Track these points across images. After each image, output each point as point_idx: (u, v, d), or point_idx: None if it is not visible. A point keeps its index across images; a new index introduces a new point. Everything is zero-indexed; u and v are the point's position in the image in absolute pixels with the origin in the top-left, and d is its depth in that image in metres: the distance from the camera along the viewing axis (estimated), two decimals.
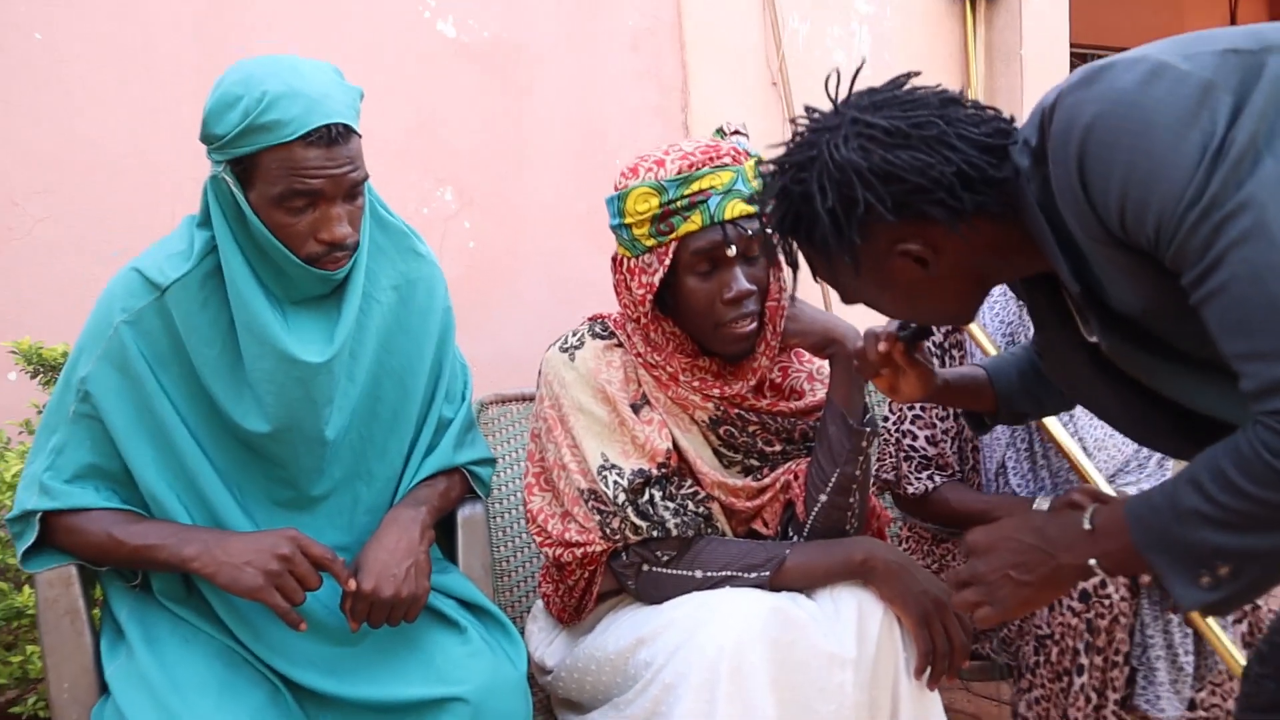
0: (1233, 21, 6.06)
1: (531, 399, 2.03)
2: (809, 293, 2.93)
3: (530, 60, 2.71)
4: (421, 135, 2.60)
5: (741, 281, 1.43)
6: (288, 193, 1.31)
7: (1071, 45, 3.40)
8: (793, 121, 1.13)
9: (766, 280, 1.48)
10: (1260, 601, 1.74)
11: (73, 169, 2.26)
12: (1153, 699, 1.65)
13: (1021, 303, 1.76)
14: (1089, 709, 1.63)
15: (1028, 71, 3.17)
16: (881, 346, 1.31)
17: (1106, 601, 1.62)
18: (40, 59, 2.22)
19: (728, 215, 1.41)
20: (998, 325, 1.93)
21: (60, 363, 1.98)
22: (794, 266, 1.18)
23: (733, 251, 1.42)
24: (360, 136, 1.38)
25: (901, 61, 3.13)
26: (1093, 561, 1.01)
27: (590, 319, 1.64)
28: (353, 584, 1.37)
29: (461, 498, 1.63)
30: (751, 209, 1.42)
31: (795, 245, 1.15)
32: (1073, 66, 4.40)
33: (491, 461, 1.69)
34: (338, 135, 1.31)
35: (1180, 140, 0.85)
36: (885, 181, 1.01)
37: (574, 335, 1.59)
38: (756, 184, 1.42)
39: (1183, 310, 0.92)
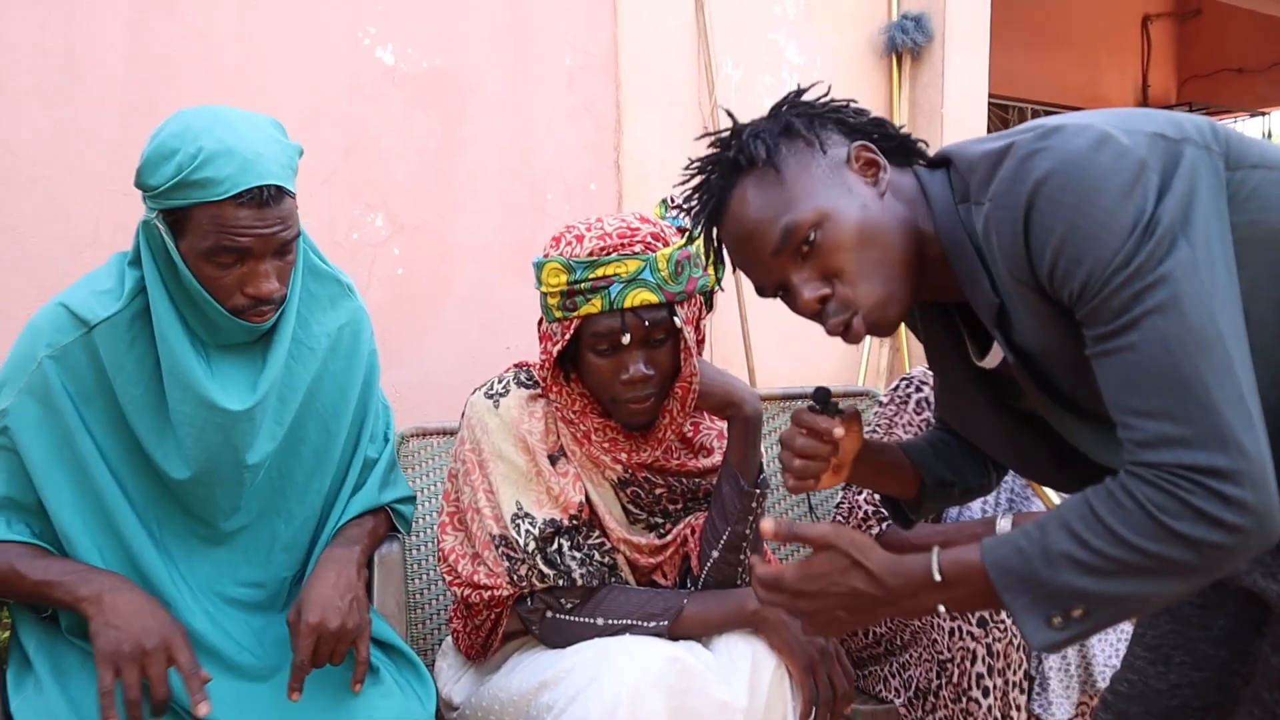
0: (1144, 80, 6.37)
1: (452, 433, 2.07)
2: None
3: (466, 91, 2.75)
4: (355, 161, 2.61)
5: (638, 366, 1.50)
6: (216, 248, 1.33)
7: (990, 96, 3.56)
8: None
9: (672, 362, 1.54)
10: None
11: None
12: (1045, 704, 1.85)
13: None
14: None
15: (948, 128, 3.31)
16: (838, 432, 1.22)
17: (1002, 626, 1.75)
18: None
19: (627, 304, 1.47)
20: None
21: None
22: (722, 265, 1.24)
23: (627, 340, 1.48)
24: (293, 195, 1.40)
25: None
26: (942, 608, 1.04)
27: (516, 366, 1.68)
28: (203, 708, 1.31)
29: (385, 535, 1.67)
30: (655, 298, 1.48)
31: (735, 188, 1.14)
32: (991, 118, 4.58)
33: (412, 499, 1.73)
34: (269, 197, 1.32)
35: (1118, 209, 0.94)
36: (834, 111, 1.17)
37: (500, 382, 1.64)
38: (666, 272, 1.48)
39: (1072, 359, 1.02)
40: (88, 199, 2.30)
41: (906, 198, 1.14)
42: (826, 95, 1.19)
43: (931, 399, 2.06)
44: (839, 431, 1.21)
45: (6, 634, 1.49)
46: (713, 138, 1.19)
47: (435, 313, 2.72)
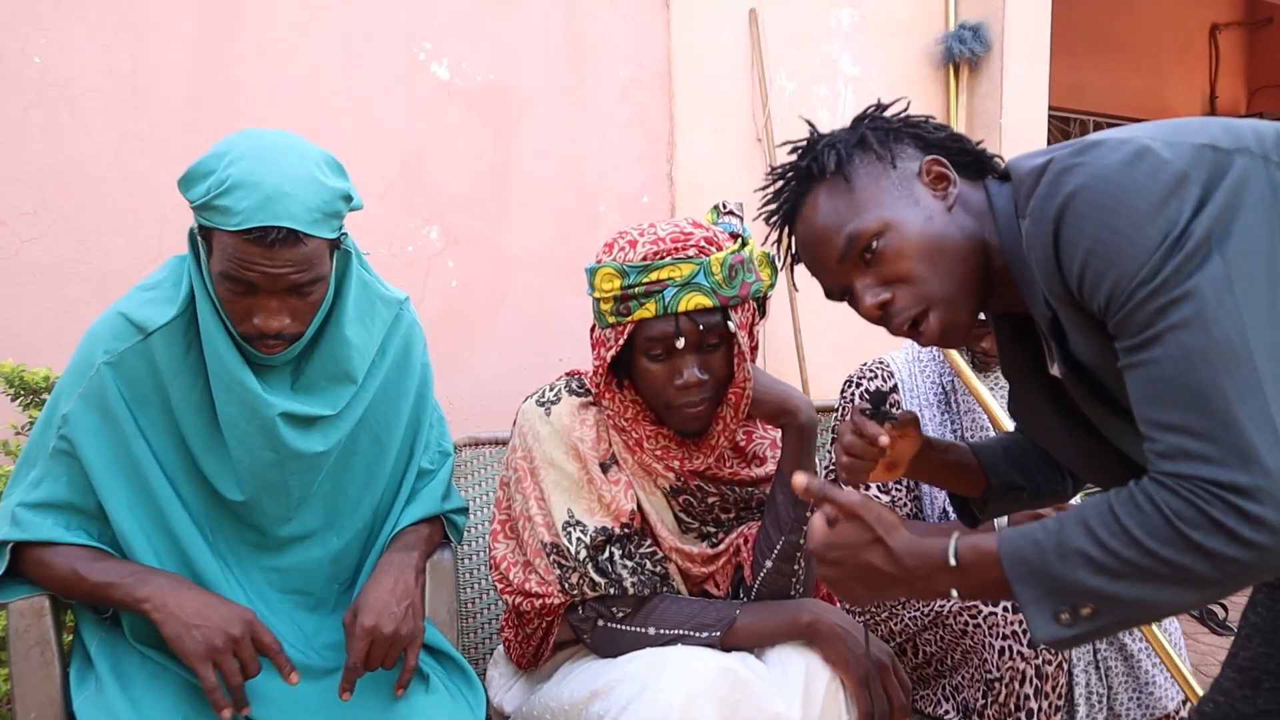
0: (1212, 90, 6.21)
1: (504, 443, 2.08)
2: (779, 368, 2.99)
3: (520, 105, 2.77)
4: (410, 174, 2.65)
5: (692, 370, 1.49)
6: (226, 275, 1.34)
7: (1052, 108, 3.50)
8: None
9: (725, 367, 1.52)
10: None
11: (60, 191, 2.29)
12: None
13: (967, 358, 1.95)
14: None
15: (1006, 139, 3.25)
16: (884, 440, 1.26)
17: (1053, 649, 1.70)
18: (30, 81, 2.25)
19: (681, 308, 1.46)
20: (929, 385, 2.05)
21: (42, 386, 2.01)
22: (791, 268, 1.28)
23: (682, 344, 1.47)
24: (321, 239, 1.35)
25: None
26: (955, 592, 1.06)
27: (568, 374, 1.68)
28: (294, 677, 1.36)
29: (439, 543, 1.67)
30: (709, 302, 1.47)
31: (805, 198, 1.20)
32: (1052, 130, 4.50)
33: (465, 510, 1.74)
34: (276, 239, 1.30)
35: (1146, 223, 0.92)
36: (911, 126, 1.21)
37: (551, 390, 1.64)
38: (720, 276, 1.47)
39: (1118, 371, 1.01)
40: (152, 213, 2.36)
41: (976, 211, 1.17)
42: (905, 110, 1.24)
43: (872, 390, 2.08)
44: (884, 440, 1.26)
45: (70, 636, 1.52)
46: (793, 145, 1.25)
47: (489, 324, 2.74)
